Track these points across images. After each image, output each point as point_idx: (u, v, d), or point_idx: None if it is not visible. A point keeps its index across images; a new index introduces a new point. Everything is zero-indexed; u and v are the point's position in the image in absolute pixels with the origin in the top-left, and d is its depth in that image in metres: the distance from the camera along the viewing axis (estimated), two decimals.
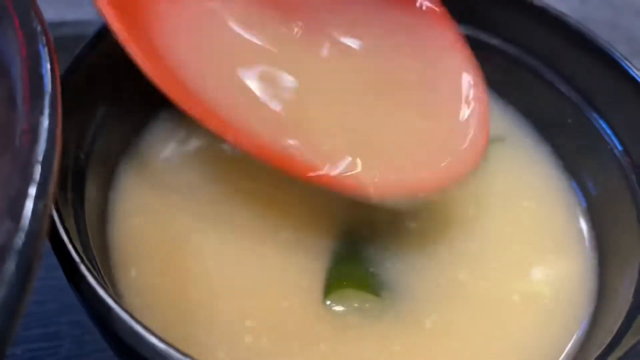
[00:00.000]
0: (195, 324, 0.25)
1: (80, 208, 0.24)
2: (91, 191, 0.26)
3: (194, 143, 0.31)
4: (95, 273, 0.21)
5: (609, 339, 0.24)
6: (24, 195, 0.17)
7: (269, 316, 0.26)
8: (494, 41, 0.33)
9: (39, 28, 0.20)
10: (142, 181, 0.29)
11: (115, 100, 0.28)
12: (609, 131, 0.30)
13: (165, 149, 0.31)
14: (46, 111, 0.18)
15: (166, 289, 0.26)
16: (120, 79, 0.27)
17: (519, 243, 0.29)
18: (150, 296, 0.26)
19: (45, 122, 0.18)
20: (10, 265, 0.16)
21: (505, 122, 0.34)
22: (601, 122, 0.30)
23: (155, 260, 0.27)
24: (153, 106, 0.31)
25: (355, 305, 0.26)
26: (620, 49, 0.48)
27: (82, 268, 0.21)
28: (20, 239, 0.16)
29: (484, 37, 0.33)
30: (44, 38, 0.20)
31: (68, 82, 0.25)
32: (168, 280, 0.27)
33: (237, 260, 0.27)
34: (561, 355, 0.26)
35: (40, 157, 0.18)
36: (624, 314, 0.25)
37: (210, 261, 0.27)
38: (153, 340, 0.20)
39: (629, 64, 0.29)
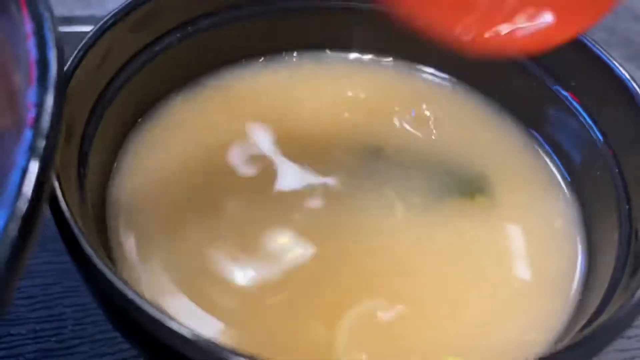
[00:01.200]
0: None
1: (84, 181, 0.26)
2: (95, 166, 0.27)
3: (198, 126, 0.33)
4: (96, 248, 0.22)
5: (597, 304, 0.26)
6: (26, 169, 0.18)
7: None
8: None
9: (46, 14, 0.21)
10: (146, 161, 0.31)
11: (121, 86, 0.30)
12: (592, 124, 0.31)
13: (166, 135, 0.32)
14: (50, 91, 0.20)
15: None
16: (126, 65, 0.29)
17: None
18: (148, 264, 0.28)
19: (49, 101, 0.19)
20: (13, 231, 0.17)
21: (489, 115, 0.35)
22: (585, 115, 0.32)
23: (154, 228, 0.29)
24: (157, 90, 0.33)
25: None
26: (617, 52, 0.49)
27: (84, 243, 0.22)
28: (22, 209, 0.17)
29: None
30: (50, 24, 0.21)
31: (78, 67, 0.27)
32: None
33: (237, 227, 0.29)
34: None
35: (44, 133, 0.19)
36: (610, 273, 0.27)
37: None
38: (154, 313, 0.20)
39: (613, 60, 0.30)
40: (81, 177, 0.26)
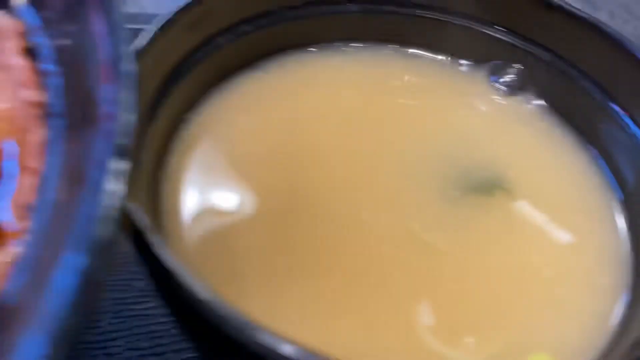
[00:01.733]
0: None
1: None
2: (146, 161, 0.28)
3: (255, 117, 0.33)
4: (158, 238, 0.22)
5: None
6: (108, 166, 0.18)
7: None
8: (534, 49, 0.35)
9: (119, 15, 0.22)
10: (195, 154, 0.31)
11: (174, 83, 0.30)
12: None
13: (219, 125, 0.33)
14: (126, 88, 0.20)
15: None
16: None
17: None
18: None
19: (126, 97, 0.20)
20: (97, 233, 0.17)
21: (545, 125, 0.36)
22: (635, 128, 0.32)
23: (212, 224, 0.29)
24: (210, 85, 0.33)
25: None
26: None
27: (150, 237, 0.22)
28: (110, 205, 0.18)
29: (522, 44, 0.35)
30: (123, 24, 0.22)
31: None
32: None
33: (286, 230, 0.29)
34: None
35: (122, 129, 0.19)
36: None
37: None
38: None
39: None
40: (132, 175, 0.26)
